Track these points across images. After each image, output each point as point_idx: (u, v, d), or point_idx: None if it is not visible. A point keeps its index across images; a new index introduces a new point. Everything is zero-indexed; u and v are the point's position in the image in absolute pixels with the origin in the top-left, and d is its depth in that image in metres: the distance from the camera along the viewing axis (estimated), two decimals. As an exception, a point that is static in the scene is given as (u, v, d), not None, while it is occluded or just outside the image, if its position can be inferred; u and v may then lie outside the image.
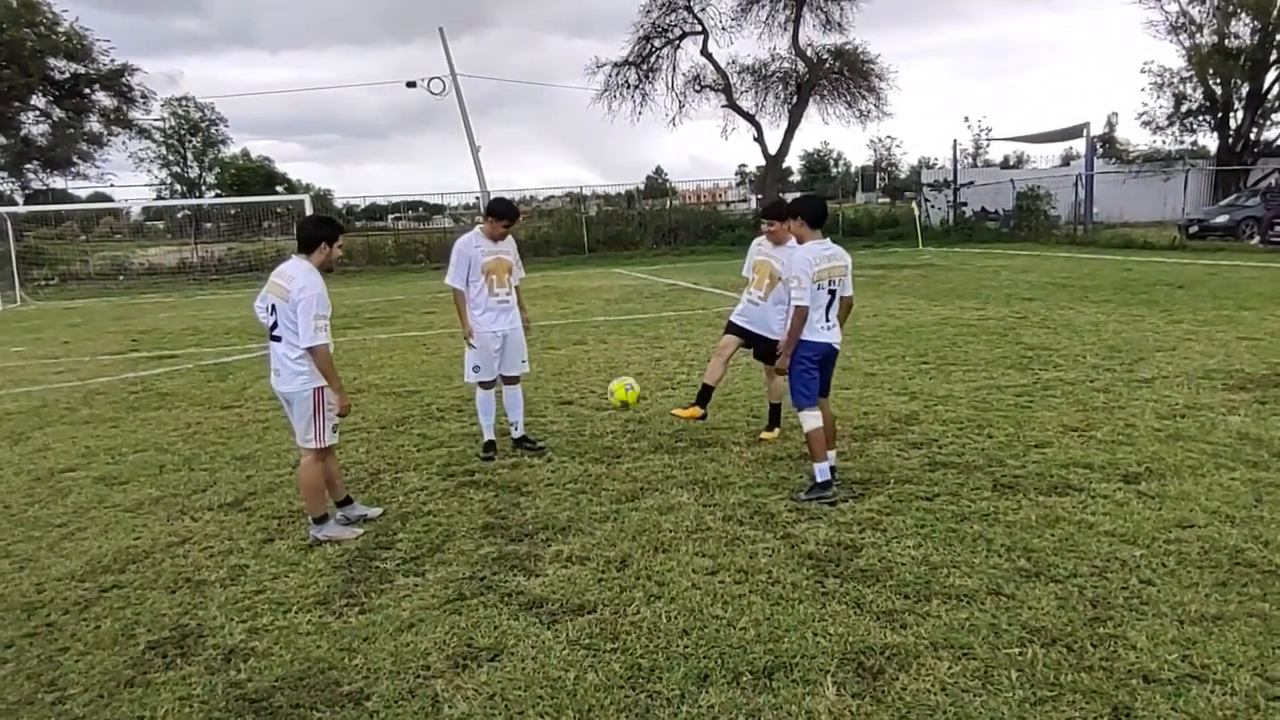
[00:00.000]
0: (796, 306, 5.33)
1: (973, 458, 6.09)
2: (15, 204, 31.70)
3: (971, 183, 37.61)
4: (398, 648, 3.79)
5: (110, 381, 10.77)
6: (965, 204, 36.49)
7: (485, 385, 6.65)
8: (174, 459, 7.02)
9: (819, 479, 5.39)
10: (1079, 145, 36.76)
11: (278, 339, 5.03)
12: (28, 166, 35.06)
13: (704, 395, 6.68)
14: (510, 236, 6.71)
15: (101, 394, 9.95)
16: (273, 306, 5.01)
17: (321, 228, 5.21)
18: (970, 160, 48.45)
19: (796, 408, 5.53)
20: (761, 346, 6.52)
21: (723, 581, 4.28)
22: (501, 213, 6.54)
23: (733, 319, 6.66)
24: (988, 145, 51.61)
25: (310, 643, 3.88)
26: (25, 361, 12.87)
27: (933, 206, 37.49)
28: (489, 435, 6.72)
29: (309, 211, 26.97)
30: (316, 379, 5.04)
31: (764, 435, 6.77)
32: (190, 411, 8.78)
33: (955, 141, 39.57)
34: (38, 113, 33.94)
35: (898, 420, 7.12)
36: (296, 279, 4.95)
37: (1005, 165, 52.81)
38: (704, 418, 6.77)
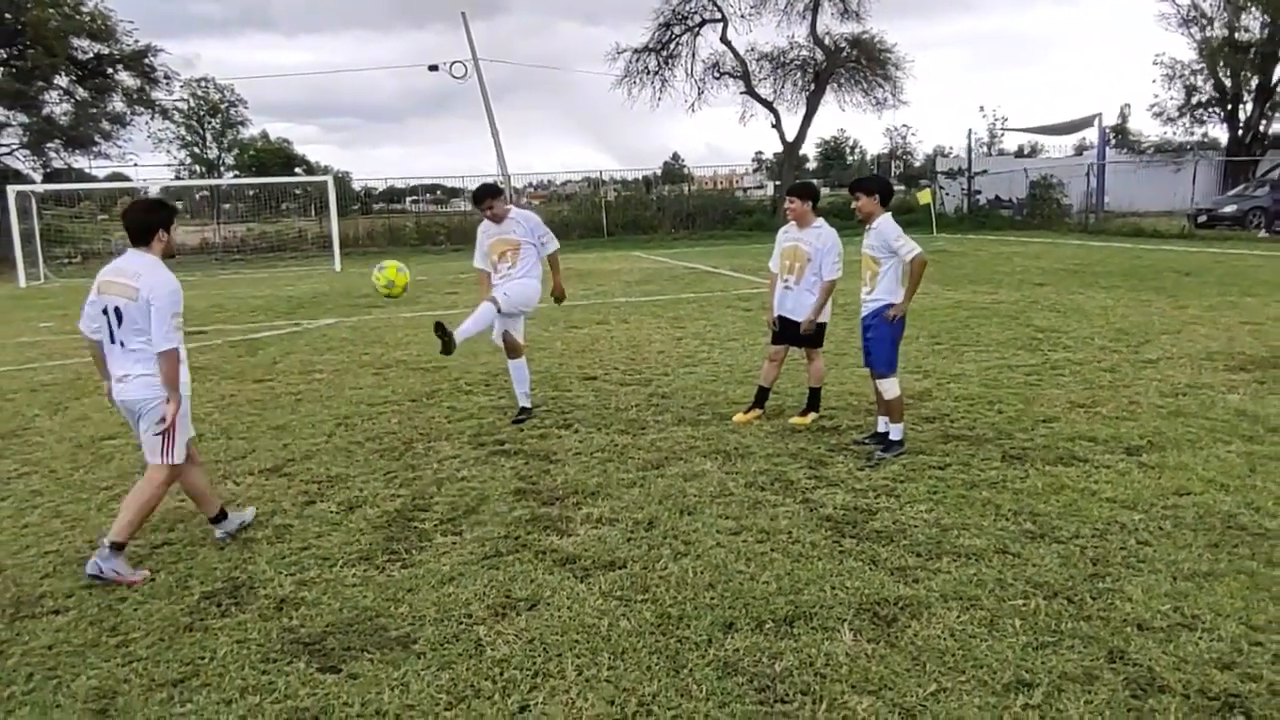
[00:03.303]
0: (918, 256, 5.68)
1: (983, 431, 6.34)
2: (34, 182, 31.99)
3: (985, 171, 37.65)
4: (440, 598, 4.04)
5: (142, 356, 11.05)
6: (979, 192, 36.56)
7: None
8: (211, 428, 7.28)
9: (898, 437, 5.92)
10: (1092, 135, 36.80)
11: (124, 345, 4.47)
12: (49, 145, 35.33)
13: (760, 397, 6.94)
14: (527, 214, 7.21)
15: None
16: (116, 309, 4.43)
17: (156, 213, 4.66)
18: (985, 149, 48.38)
19: (883, 374, 5.90)
20: (799, 332, 6.67)
21: (745, 541, 4.54)
22: (476, 199, 7.15)
23: (775, 315, 6.78)
24: (1002, 135, 51.50)
25: (357, 593, 4.12)
26: (55, 336, 13.18)
27: (947, 194, 37.55)
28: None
29: (331, 193, 27.25)
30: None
31: (795, 420, 6.73)
32: (223, 385, 9.05)
33: (970, 130, 39.73)
34: (61, 92, 34.23)
35: (912, 396, 7.35)
36: (144, 275, 4.42)
37: (1019, 154, 52.64)
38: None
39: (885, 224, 5.80)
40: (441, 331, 6.47)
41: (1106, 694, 3.12)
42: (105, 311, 4.47)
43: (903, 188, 52.53)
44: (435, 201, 51.39)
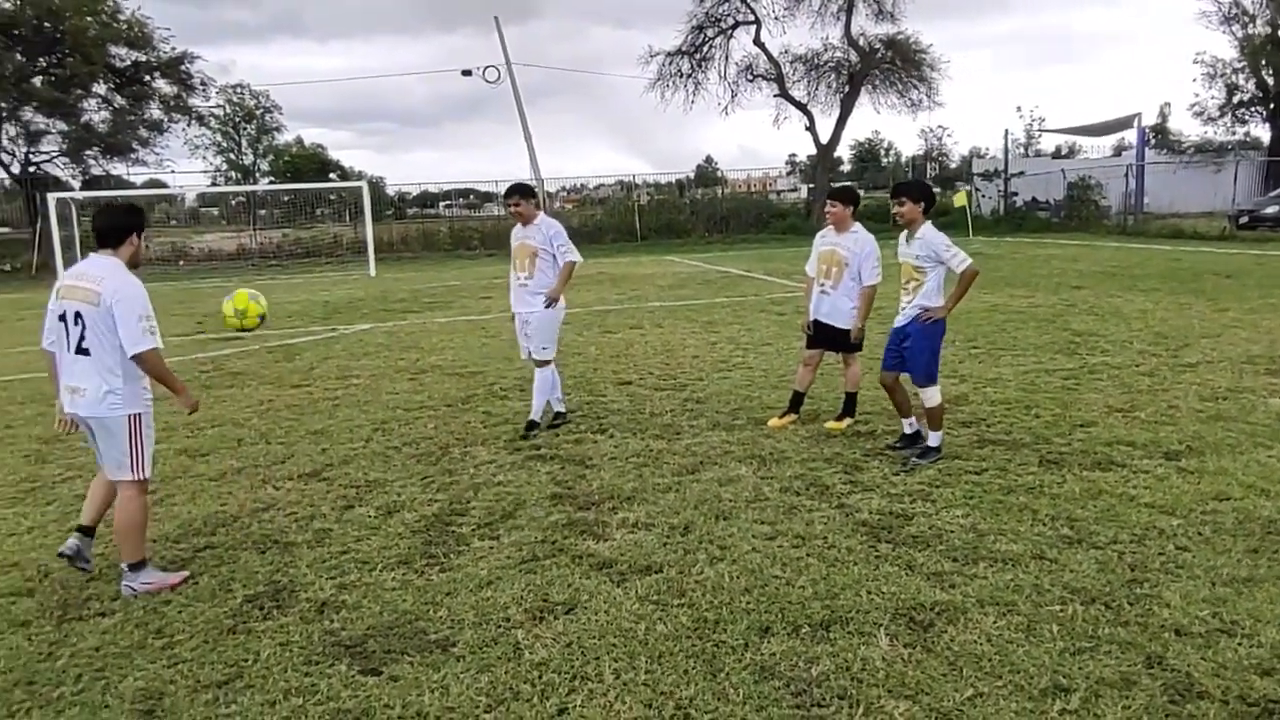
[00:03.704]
0: (970, 268, 5.65)
1: (1020, 435, 6.31)
2: (73, 189, 32.63)
3: (1022, 172, 37.24)
4: (478, 601, 4.08)
5: (181, 361, 11.24)
6: (1016, 194, 36.19)
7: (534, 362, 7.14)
8: (251, 433, 7.40)
9: (936, 444, 5.89)
10: (1131, 136, 36.29)
11: (85, 352, 4.25)
12: (88, 153, 36.05)
13: (795, 402, 6.95)
14: (550, 221, 7.05)
15: (174, 373, 10.40)
16: (77, 314, 4.23)
17: (130, 216, 4.50)
18: (1022, 150, 47.84)
19: (925, 383, 5.83)
20: (837, 337, 6.67)
21: (781, 546, 4.56)
22: (506, 194, 7.18)
23: (811, 319, 6.79)
24: (1039, 135, 50.84)
25: (396, 597, 4.18)
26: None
27: (983, 196, 37.22)
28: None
29: (366, 199, 27.53)
30: (132, 403, 4.34)
31: (831, 425, 6.72)
32: (261, 390, 9.18)
33: (1007, 131, 39.25)
34: (99, 100, 34.90)
35: (947, 401, 7.27)
36: (107, 279, 4.23)
37: (1057, 155, 52.02)
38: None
39: (931, 233, 5.74)
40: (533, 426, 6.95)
41: (1144, 700, 3.11)
42: (63, 318, 4.28)
43: (939, 190, 52.09)
44: (468, 206, 51.90)
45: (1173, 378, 7.89)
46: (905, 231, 5.87)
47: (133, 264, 4.43)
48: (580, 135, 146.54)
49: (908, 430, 6.08)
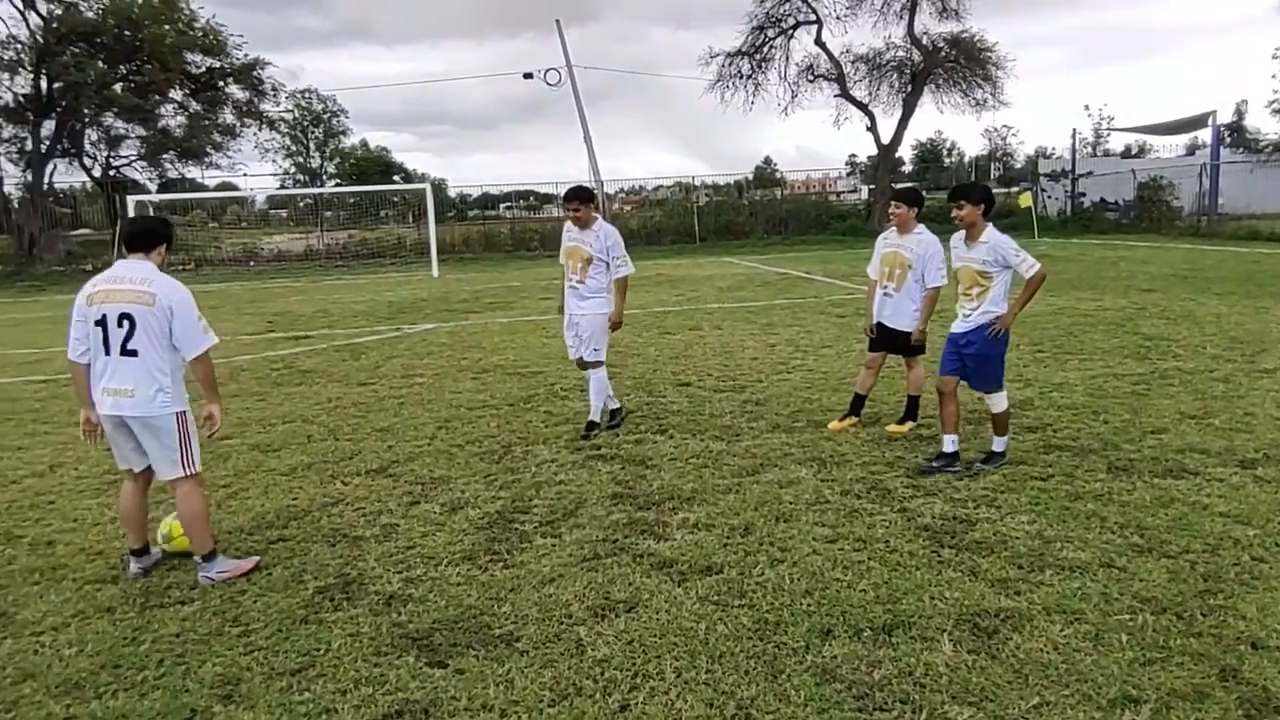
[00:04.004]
0: (1040, 272, 5.55)
1: (1087, 441, 6.19)
2: (150, 192, 33.74)
3: (1090, 173, 36.38)
4: (541, 598, 4.14)
5: (253, 359, 11.57)
6: (1084, 194, 35.36)
7: (579, 365, 7.23)
8: (319, 430, 7.58)
9: (1001, 449, 5.79)
10: (1205, 134, 35.18)
11: (132, 353, 4.31)
12: (164, 157, 37.29)
13: (856, 404, 6.92)
14: (609, 230, 7.04)
15: (246, 370, 10.73)
16: (125, 316, 4.28)
17: (166, 227, 4.62)
18: (1089, 150, 46.75)
19: (994, 390, 5.72)
20: (899, 339, 6.61)
21: (842, 549, 4.54)
22: (566, 198, 7.12)
23: (873, 322, 6.76)
24: (1108, 134, 49.64)
25: (461, 592, 4.26)
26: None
27: (1049, 197, 36.45)
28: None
29: (429, 200, 27.98)
30: (180, 401, 4.44)
31: (892, 428, 6.68)
32: (329, 387, 9.40)
33: (1074, 130, 38.52)
34: (176, 105, 36.04)
35: (1013, 405, 7.15)
36: (155, 280, 4.34)
37: (1126, 155, 50.70)
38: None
39: (998, 237, 5.61)
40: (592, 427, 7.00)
41: (1218, 713, 3.04)
42: (102, 322, 4.29)
43: (1003, 190, 51.15)
44: (528, 208, 52.38)
45: (1249, 384, 7.65)
46: (964, 235, 5.72)
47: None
48: (638, 137, 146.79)
49: (948, 448, 5.74)
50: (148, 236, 4.46)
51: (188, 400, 4.54)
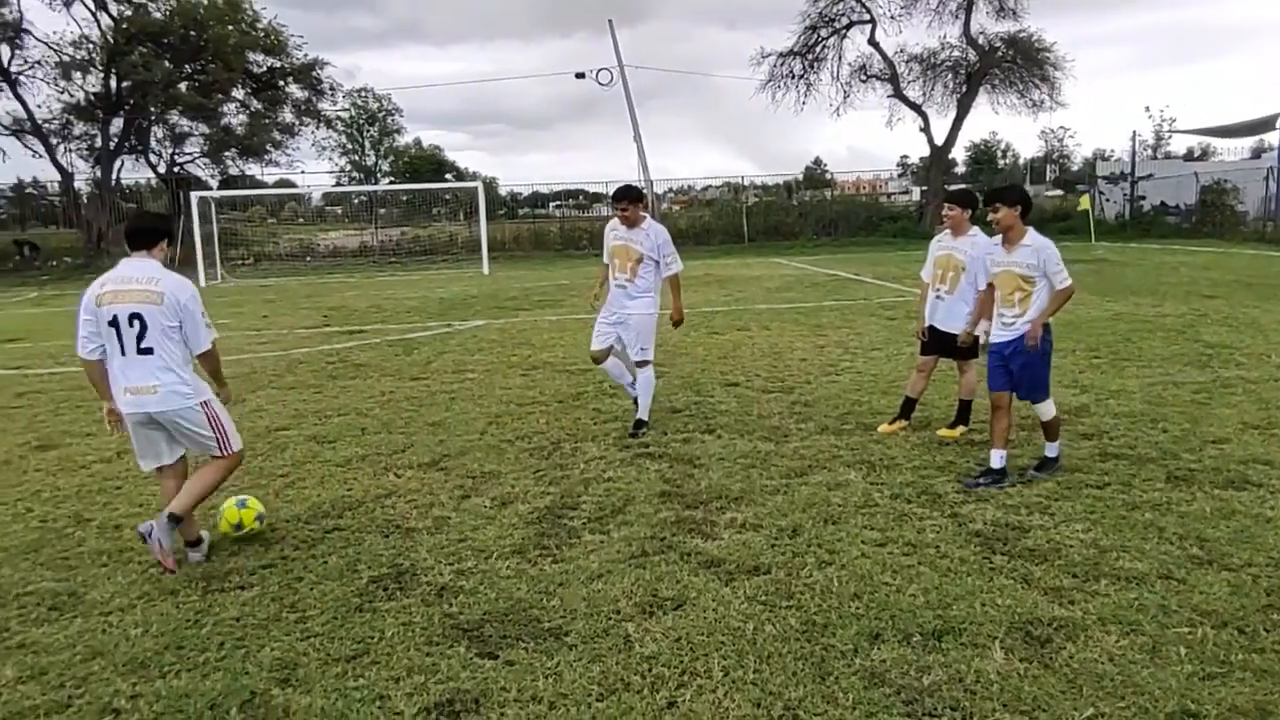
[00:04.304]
0: (1070, 286, 5.43)
1: (1145, 450, 6.06)
2: (211, 189, 34.56)
3: (1151, 175, 35.52)
4: (590, 594, 4.18)
5: (309, 352, 11.81)
6: (1143, 198, 34.55)
7: (594, 357, 7.25)
8: (373, 423, 7.72)
9: (1055, 455, 5.71)
10: (1272, 138, 34.18)
11: (148, 352, 4.40)
12: (226, 154, 38.22)
13: (906, 408, 6.87)
14: (658, 228, 7.07)
15: (302, 363, 10.95)
16: (136, 316, 4.35)
17: (166, 223, 4.69)
18: (1150, 152, 45.65)
19: (1042, 398, 5.58)
20: (952, 343, 6.50)
21: (891, 553, 4.51)
22: (615, 197, 7.12)
23: (925, 325, 6.70)
24: (1169, 137, 48.38)
25: (511, 585, 4.32)
26: (231, 333, 14.19)
27: (1107, 200, 35.69)
28: (631, 392, 7.40)
29: (481, 199, 28.27)
30: (201, 390, 4.58)
31: (943, 432, 6.61)
32: (382, 381, 9.56)
33: (1134, 133, 37.42)
34: (238, 104, 36.90)
35: (1067, 412, 7.07)
36: (162, 278, 4.42)
37: (1188, 157, 49.44)
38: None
39: (1041, 239, 5.49)
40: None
41: (1282, 731, 2.97)
42: (114, 322, 4.36)
43: (1058, 193, 50.12)
44: (578, 207, 52.65)
45: (1316, 395, 7.43)
46: (1002, 239, 5.57)
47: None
48: (688, 137, 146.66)
49: (996, 464, 5.52)
50: (149, 234, 4.52)
51: (208, 389, 4.71)
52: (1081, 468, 5.73)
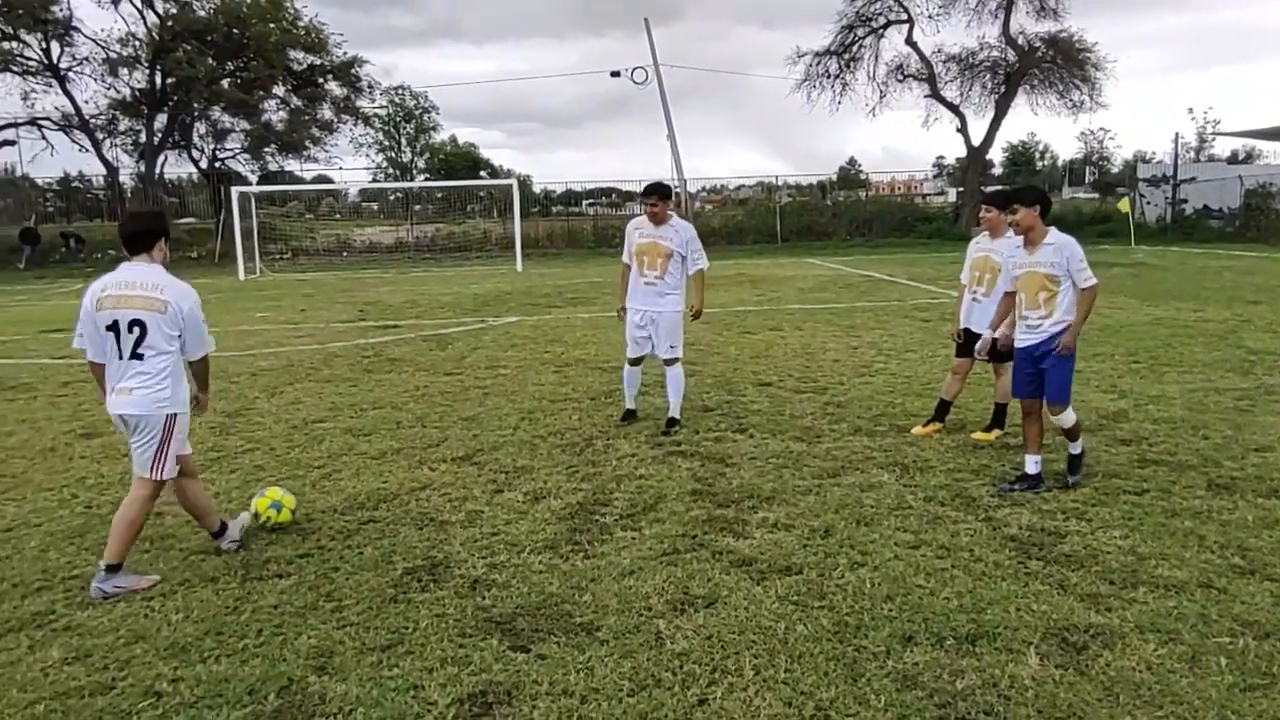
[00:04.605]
0: (1092, 286, 5.32)
1: (1186, 457, 5.96)
2: (251, 184, 35.10)
3: (1193, 178, 34.91)
4: (621, 590, 4.20)
5: (345, 346, 11.94)
6: (1185, 201, 33.97)
7: (631, 361, 7.26)
8: (408, 416, 7.79)
9: (1079, 450, 5.57)
10: (1323, 139, 33.43)
11: (139, 357, 4.35)
12: (266, 150, 38.81)
13: (941, 410, 6.82)
14: (685, 225, 7.09)
15: (339, 357, 11.08)
16: (133, 323, 4.33)
17: (160, 220, 4.59)
18: (1192, 154, 44.86)
19: (1062, 406, 5.42)
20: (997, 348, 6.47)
21: (924, 555, 4.48)
22: (646, 192, 7.10)
23: (961, 327, 6.64)
24: (1213, 139, 47.52)
25: (543, 580, 4.34)
26: (270, 326, 14.40)
27: (1148, 203, 35.14)
28: (628, 404, 7.45)
29: (516, 196, 28.41)
30: (176, 404, 4.46)
31: (978, 435, 6.55)
32: (417, 376, 9.65)
33: (1177, 134, 36.92)
34: (278, 101, 37.46)
35: (1105, 417, 6.99)
36: (166, 286, 4.38)
37: (1233, 160, 48.45)
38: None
39: (1064, 237, 5.37)
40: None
41: (1325, 745, 2.92)
42: (114, 328, 4.33)
43: (1096, 195, 49.40)
44: (611, 205, 52.72)
45: (1364, 404, 7.27)
46: (1023, 239, 5.44)
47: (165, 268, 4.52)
48: (721, 136, 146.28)
49: (1031, 469, 5.45)
50: (146, 235, 4.43)
51: (186, 407, 4.55)
52: (1119, 473, 5.65)
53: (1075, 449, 5.57)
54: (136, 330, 4.31)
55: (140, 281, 4.36)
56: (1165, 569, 4.24)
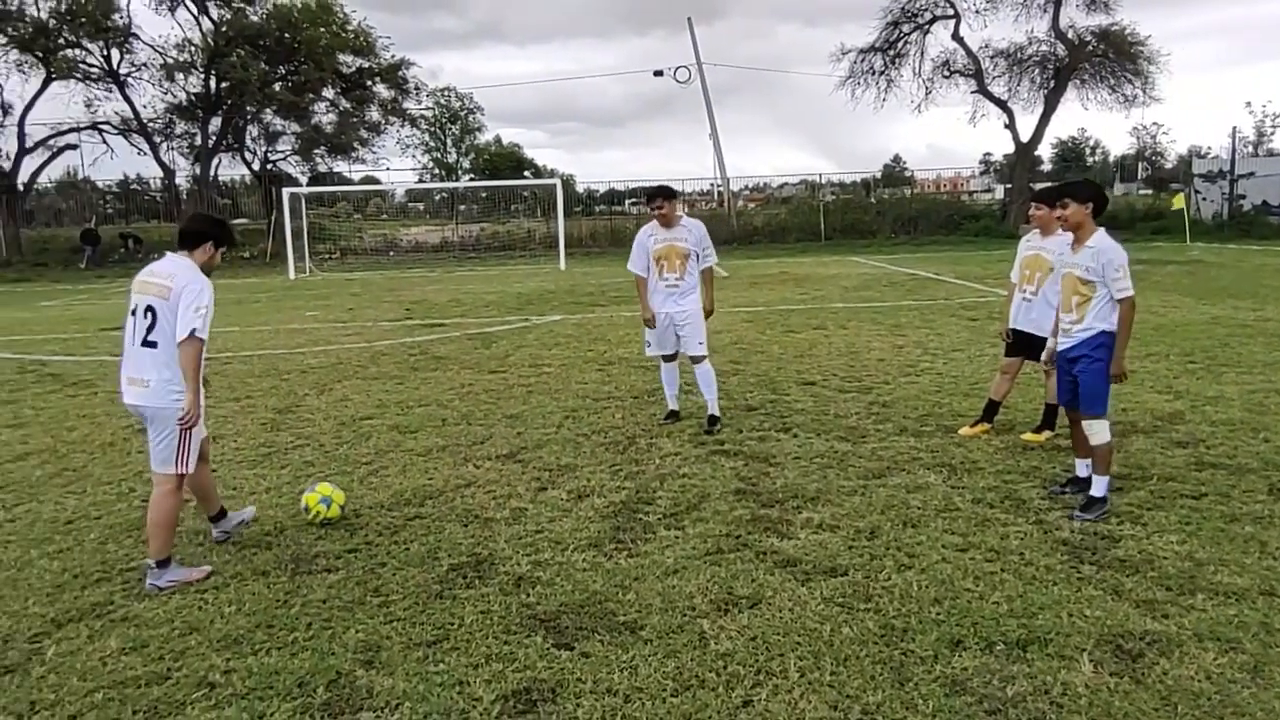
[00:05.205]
0: (1131, 298, 4.89)
1: (1246, 460, 5.79)
2: (301, 185, 35.69)
3: (1252, 174, 33.96)
4: (665, 589, 4.18)
5: (392, 345, 12.08)
6: (1243, 197, 33.06)
7: (665, 359, 7.29)
8: (453, 414, 7.86)
9: (1102, 494, 5.01)
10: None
11: (151, 345, 4.36)
12: (316, 151, 39.45)
13: (989, 411, 6.72)
14: (695, 222, 7.14)
15: (386, 355, 11.22)
16: (147, 309, 4.37)
17: (215, 227, 4.66)
18: (1251, 149, 43.67)
19: (1099, 414, 5.03)
20: (1037, 345, 6.21)
21: (973, 558, 4.41)
22: (650, 196, 7.15)
23: (1010, 327, 6.51)
24: (1273, 133, 46.21)
25: (587, 577, 4.35)
26: (319, 324, 14.61)
27: (1204, 199, 34.27)
28: (671, 405, 7.44)
29: (559, 196, 28.55)
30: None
31: (1028, 436, 6.42)
32: (462, 374, 9.73)
33: (1234, 128, 35.87)
34: (327, 103, 38.05)
35: (1160, 418, 6.83)
36: (179, 275, 4.37)
37: (1293, 154, 47.17)
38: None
39: (1108, 245, 4.98)
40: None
41: (1393, 759, 2.82)
42: (134, 312, 4.41)
43: (1149, 191, 48.34)
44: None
45: None
46: (1071, 237, 5.16)
47: (205, 270, 4.51)
48: (764, 134, 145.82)
49: (1082, 473, 5.25)
50: (194, 236, 4.51)
51: (202, 396, 4.48)
52: (1176, 477, 5.51)
53: (1097, 489, 5.00)
54: (149, 317, 4.35)
55: (163, 270, 4.45)
56: (1225, 575, 4.13)
